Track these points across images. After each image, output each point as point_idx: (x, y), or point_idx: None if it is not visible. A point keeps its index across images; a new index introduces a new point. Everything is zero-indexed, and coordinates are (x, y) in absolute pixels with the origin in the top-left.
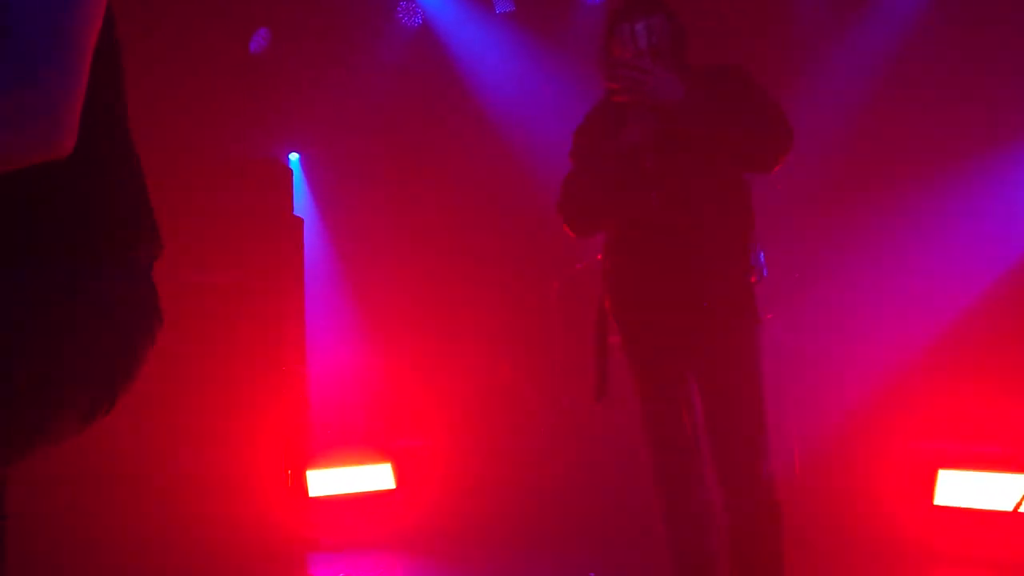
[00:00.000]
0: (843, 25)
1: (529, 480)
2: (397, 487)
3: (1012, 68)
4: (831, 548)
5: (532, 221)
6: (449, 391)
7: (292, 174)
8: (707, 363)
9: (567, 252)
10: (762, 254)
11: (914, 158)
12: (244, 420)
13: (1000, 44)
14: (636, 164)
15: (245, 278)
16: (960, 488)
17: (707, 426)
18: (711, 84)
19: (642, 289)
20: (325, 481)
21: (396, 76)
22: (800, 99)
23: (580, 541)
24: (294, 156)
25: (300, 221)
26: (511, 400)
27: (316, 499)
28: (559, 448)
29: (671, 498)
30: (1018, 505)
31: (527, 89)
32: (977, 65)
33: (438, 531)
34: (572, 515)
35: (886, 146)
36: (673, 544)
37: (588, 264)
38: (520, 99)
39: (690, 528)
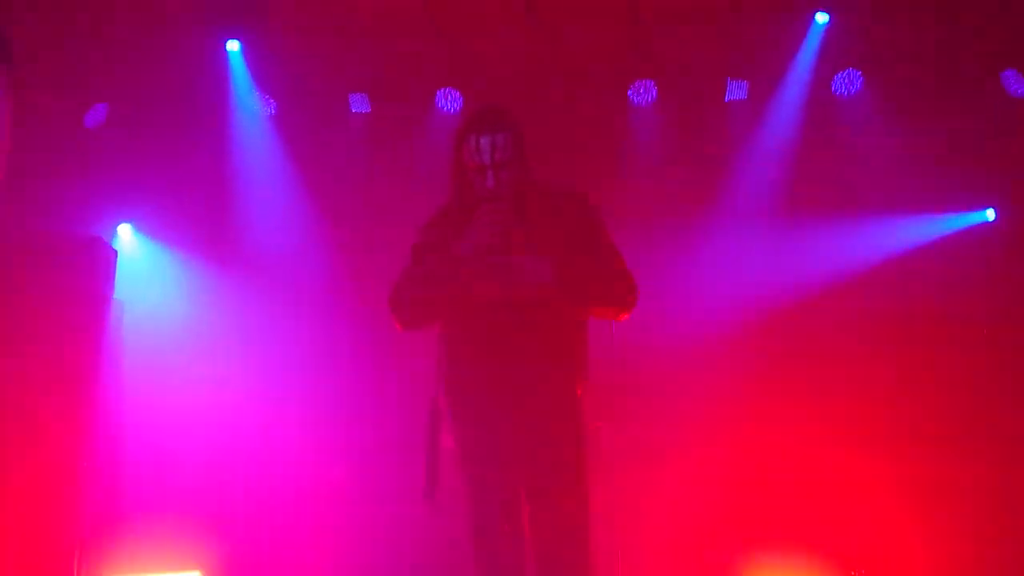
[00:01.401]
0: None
1: None
2: None
3: None
4: None
5: (372, 316)
6: (266, 493)
7: (115, 254)
8: (534, 468)
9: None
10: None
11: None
12: (36, 519)
13: None
14: (475, 267)
15: (45, 364)
16: None
17: (533, 531)
18: (556, 210)
19: (475, 393)
20: None
21: (240, 161)
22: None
23: None
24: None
25: (118, 303)
26: (339, 501)
27: None
28: (388, 553)
29: None
30: None
31: (379, 188)
32: None
33: None
34: None
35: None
36: None
37: (423, 368)
38: (371, 197)
39: None
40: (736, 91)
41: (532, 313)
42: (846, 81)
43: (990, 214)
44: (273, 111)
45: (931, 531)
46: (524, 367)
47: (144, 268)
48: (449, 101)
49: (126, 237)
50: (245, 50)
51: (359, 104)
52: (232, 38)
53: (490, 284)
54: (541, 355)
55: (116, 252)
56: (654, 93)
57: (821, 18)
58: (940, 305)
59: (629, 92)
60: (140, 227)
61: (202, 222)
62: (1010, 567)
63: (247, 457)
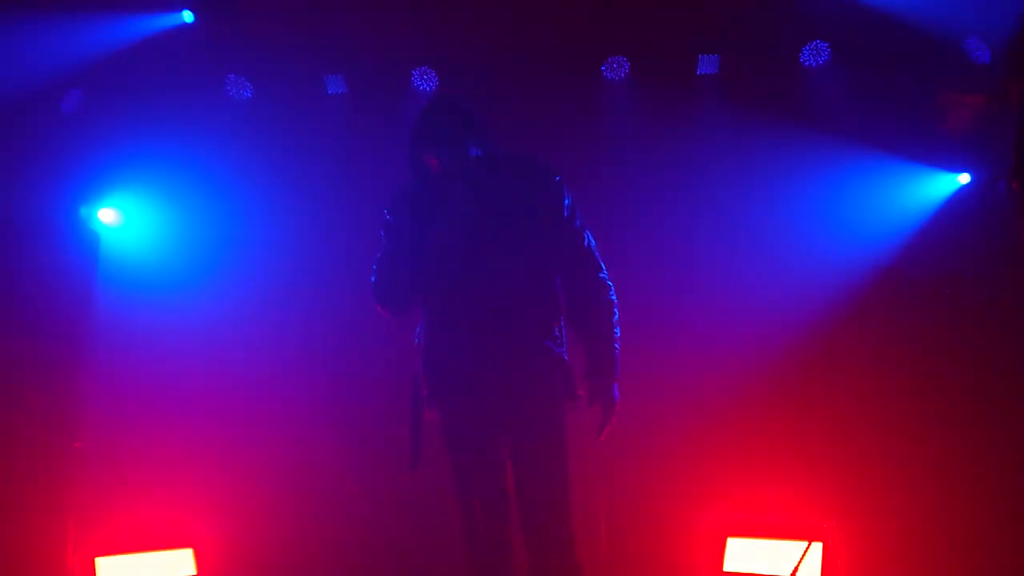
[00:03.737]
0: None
1: (344, 564)
2: (198, 574)
3: None
4: None
5: (354, 298)
6: (258, 469)
7: (98, 238)
8: (515, 434)
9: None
10: (565, 333)
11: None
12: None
13: None
14: (449, 254)
15: (37, 344)
16: (747, 555)
17: (516, 491)
18: (523, 184)
19: (453, 366)
20: (117, 569)
21: (221, 146)
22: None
23: None
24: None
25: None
26: (328, 478)
27: None
28: (376, 527)
29: (482, 560)
30: (795, 570)
31: (359, 171)
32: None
33: None
34: None
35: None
36: None
37: (407, 343)
38: (351, 180)
39: None
40: (707, 65)
41: (497, 289)
42: (814, 53)
43: (963, 178)
44: (248, 94)
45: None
46: (492, 334)
47: (125, 250)
48: (425, 80)
49: (108, 219)
50: (212, 30)
51: (335, 85)
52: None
53: (459, 277)
54: (507, 319)
55: (98, 235)
56: (627, 68)
57: None
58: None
59: (602, 68)
60: (121, 210)
61: (181, 205)
62: None
63: (237, 435)
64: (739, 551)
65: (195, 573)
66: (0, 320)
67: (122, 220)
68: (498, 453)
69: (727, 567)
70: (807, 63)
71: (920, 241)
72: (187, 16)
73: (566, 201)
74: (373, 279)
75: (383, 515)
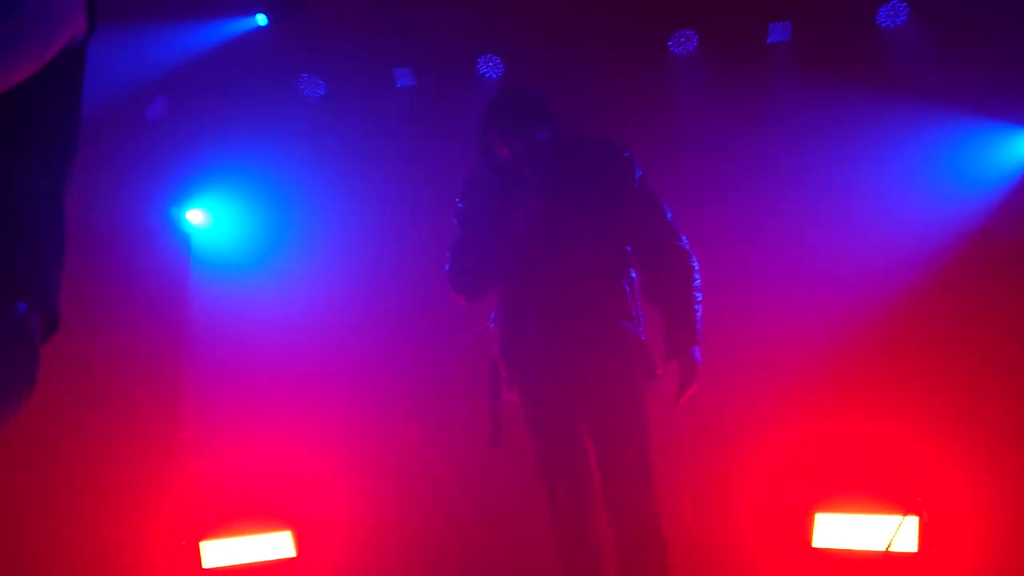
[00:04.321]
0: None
1: (433, 545)
2: (298, 556)
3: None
4: None
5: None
6: (352, 454)
7: (189, 238)
8: (595, 415)
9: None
10: (642, 313)
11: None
12: (137, 489)
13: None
14: (523, 239)
15: (138, 342)
16: (836, 530)
17: (599, 468)
18: (593, 163)
19: (531, 349)
20: (220, 552)
21: (298, 144)
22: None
23: None
24: (196, 216)
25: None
26: (415, 462)
27: (211, 571)
28: (463, 509)
29: (567, 535)
30: (890, 544)
31: (430, 161)
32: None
33: None
34: None
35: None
36: None
37: (483, 328)
38: (423, 170)
39: (585, 562)
40: (778, 32)
41: (572, 271)
42: (891, 13)
43: None
44: (321, 92)
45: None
46: (569, 316)
47: (215, 248)
48: (491, 67)
49: (196, 219)
50: (289, 32)
51: (404, 78)
52: (260, 12)
53: (534, 261)
54: (584, 301)
55: (189, 235)
56: (695, 42)
57: None
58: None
59: (669, 43)
60: (208, 210)
61: (262, 202)
62: None
63: (328, 421)
64: (828, 527)
65: (294, 554)
66: (105, 318)
67: (209, 220)
68: (579, 433)
69: (816, 543)
70: (884, 24)
71: (1010, 202)
72: (261, 19)
73: (637, 174)
74: (447, 266)
75: (470, 494)
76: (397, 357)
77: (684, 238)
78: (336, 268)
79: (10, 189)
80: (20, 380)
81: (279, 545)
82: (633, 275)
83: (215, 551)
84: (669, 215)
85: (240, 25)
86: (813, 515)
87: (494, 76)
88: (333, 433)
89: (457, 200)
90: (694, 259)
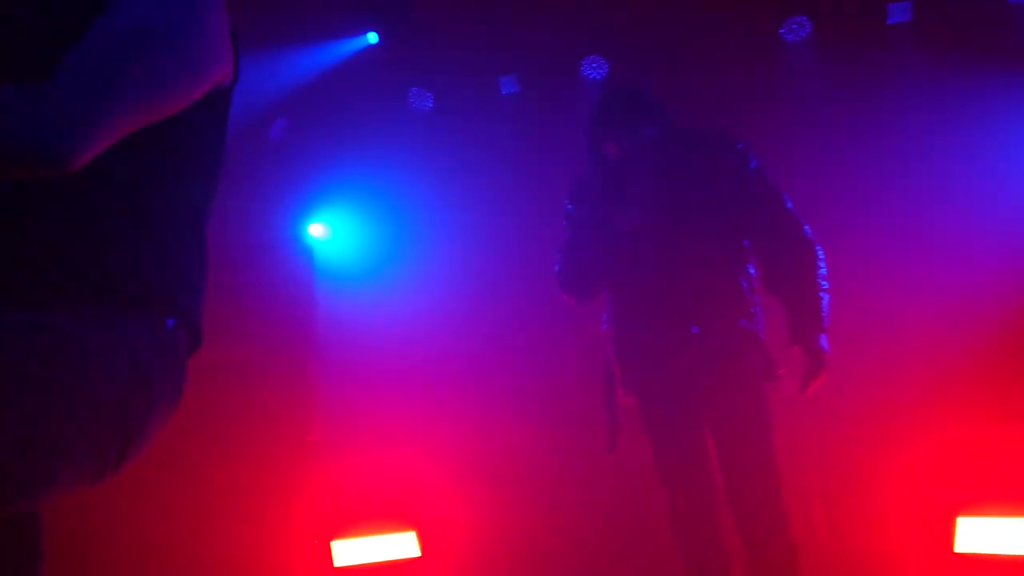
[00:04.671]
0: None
1: (555, 545)
2: (422, 555)
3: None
4: None
5: (543, 288)
6: (471, 456)
7: (313, 251)
8: (716, 417)
9: (577, 316)
10: (761, 310)
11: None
12: (270, 491)
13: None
14: (635, 238)
15: (269, 351)
16: (980, 534)
17: (722, 471)
18: (705, 155)
19: (647, 350)
20: (350, 551)
21: (408, 156)
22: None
23: None
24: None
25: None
26: (531, 465)
27: (341, 569)
28: (582, 511)
29: (691, 542)
30: None
31: (538, 166)
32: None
33: None
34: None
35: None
36: None
37: (597, 329)
38: (531, 175)
39: (711, 570)
40: (899, 13)
41: (688, 268)
42: None
43: None
44: (430, 104)
45: None
46: (686, 315)
47: (336, 259)
48: (595, 68)
49: (317, 233)
50: (394, 48)
51: (509, 85)
52: (371, 30)
53: (647, 258)
54: (701, 298)
55: (311, 248)
56: (808, 28)
57: None
58: None
59: (781, 31)
60: (327, 223)
61: (377, 213)
62: None
63: (447, 423)
64: (971, 531)
65: (419, 554)
66: (239, 329)
67: (330, 233)
68: (700, 436)
69: (958, 548)
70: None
71: None
72: (372, 37)
73: (752, 164)
74: (557, 267)
75: (587, 500)
76: (512, 360)
77: (807, 227)
78: (450, 274)
79: (158, 219)
80: (170, 392)
81: (405, 545)
82: (751, 271)
83: (345, 550)
84: (789, 204)
85: (353, 45)
86: (955, 519)
87: (598, 77)
88: (453, 435)
89: (566, 202)
90: (819, 247)
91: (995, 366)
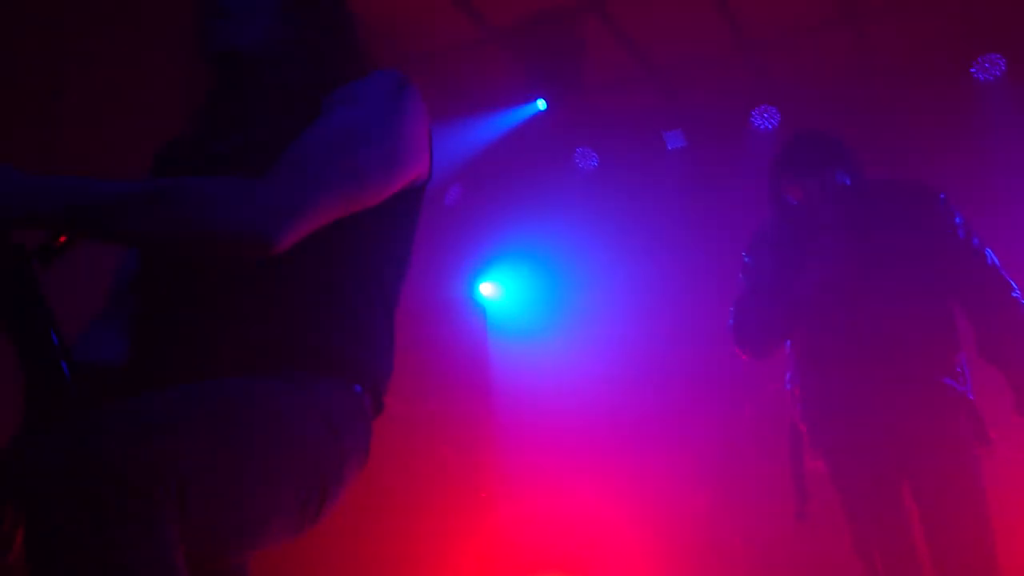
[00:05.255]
0: None
1: None
2: None
3: None
4: None
5: (717, 345)
6: (642, 517)
7: (485, 310)
8: (920, 486)
9: (755, 375)
10: (967, 369)
11: None
12: (444, 544)
13: None
14: (822, 289)
15: (443, 407)
16: None
17: (929, 544)
18: (901, 215)
19: (841, 411)
20: None
21: (575, 214)
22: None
23: None
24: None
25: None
26: (707, 532)
27: None
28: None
29: None
30: None
31: (706, 220)
32: None
33: None
34: None
35: None
36: None
37: (778, 389)
38: (700, 230)
39: None
40: None
41: (885, 323)
42: None
43: None
44: (595, 163)
45: None
46: (884, 374)
47: (508, 318)
48: (766, 118)
49: (488, 292)
50: (564, 112)
51: (674, 140)
52: (539, 97)
53: (838, 313)
54: (901, 356)
55: (484, 307)
56: (1002, 66)
57: None
58: None
59: (972, 69)
60: (498, 282)
61: (545, 271)
62: None
63: (618, 481)
64: None
65: None
66: (418, 385)
67: (501, 292)
68: (900, 505)
69: None
70: None
71: None
72: (541, 104)
73: (956, 219)
74: (731, 322)
75: (776, 569)
76: (686, 419)
77: (1016, 288)
78: (622, 331)
79: (351, 296)
80: (359, 449)
81: None
82: (955, 326)
83: None
84: (997, 261)
85: (522, 113)
86: None
87: (770, 127)
88: (628, 497)
89: (743, 254)
90: (1015, 296)
91: None
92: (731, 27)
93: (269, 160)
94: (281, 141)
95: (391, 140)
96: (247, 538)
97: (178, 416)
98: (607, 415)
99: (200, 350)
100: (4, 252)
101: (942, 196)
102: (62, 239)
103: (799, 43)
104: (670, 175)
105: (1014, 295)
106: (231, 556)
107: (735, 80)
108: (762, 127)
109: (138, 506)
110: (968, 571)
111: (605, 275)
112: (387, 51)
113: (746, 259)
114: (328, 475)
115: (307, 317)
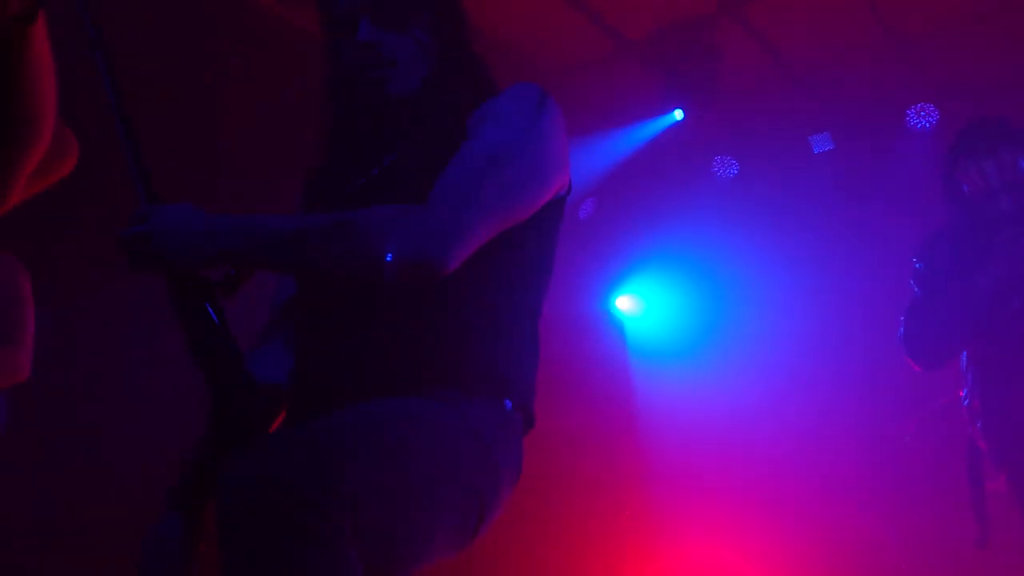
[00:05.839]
0: None
1: None
2: None
3: None
4: None
5: (878, 356)
6: (801, 542)
7: (623, 324)
8: None
9: (920, 388)
10: None
11: None
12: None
13: None
14: (1010, 291)
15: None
16: None
17: None
18: None
19: None
20: None
21: (715, 225)
22: None
23: None
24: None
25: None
26: (876, 559)
27: None
28: None
29: None
30: None
31: (858, 226)
32: None
33: None
34: None
35: None
36: None
37: (950, 400)
38: (851, 236)
39: None
40: None
41: None
42: None
43: None
44: (735, 172)
45: None
46: None
47: (647, 333)
48: (923, 117)
49: (626, 306)
50: (703, 121)
51: (821, 144)
52: (676, 107)
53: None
54: None
55: (622, 321)
56: None
57: None
58: None
59: None
60: (637, 296)
61: (686, 283)
62: None
63: (773, 498)
64: None
65: None
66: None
67: (640, 306)
68: None
69: None
70: None
71: None
72: (678, 114)
73: None
74: (902, 331)
75: None
76: (847, 438)
77: None
78: (770, 347)
79: (503, 313)
80: (512, 465)
81: None
82: None
83: None
84: None
85: (658, 124)
86: None
87: (927, 126)
88: (781, 522)
89: (913, 260)
90: None
91: None
92: (880, 21)
93: (423, 185)
94: (433, 165)
95: (537, 155)
96: (412, 555)
97: (356, 441)
98: (759, 437)
99: (360, 372)
100: (196, 287)
101: None
102: (242, 271)
103: (956, 36)
104: (817, 180)
105: None
106: (396, 574)
107: (889, 75)
108: (919, 126)
109: (323, 527)
110: None
111: (749, 287)
112: (526, 68)
113: (917, 265)
114: (484, 491)
115: (460, 336)
